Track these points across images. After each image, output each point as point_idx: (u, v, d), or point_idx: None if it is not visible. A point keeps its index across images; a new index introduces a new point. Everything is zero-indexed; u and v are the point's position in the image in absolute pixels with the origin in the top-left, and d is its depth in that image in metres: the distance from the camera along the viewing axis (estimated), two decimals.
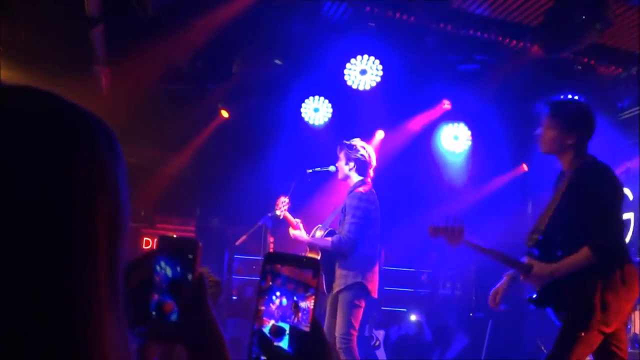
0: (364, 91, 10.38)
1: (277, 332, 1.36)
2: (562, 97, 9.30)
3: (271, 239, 8.84)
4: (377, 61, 10.22)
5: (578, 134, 5.84)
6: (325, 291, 7.83)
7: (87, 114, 1.04)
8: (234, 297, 13.95)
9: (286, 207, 8.18)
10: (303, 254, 7.81)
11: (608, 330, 5.40)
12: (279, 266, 1.40)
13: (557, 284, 5.68)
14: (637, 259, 8.66)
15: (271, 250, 8.78)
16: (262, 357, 1.36)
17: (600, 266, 5.38)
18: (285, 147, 11.87)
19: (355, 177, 7.98)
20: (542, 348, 10.15)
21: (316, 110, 11.80)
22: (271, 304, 1.38)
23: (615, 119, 11.29)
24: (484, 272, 13.83)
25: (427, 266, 14.72)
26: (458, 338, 12.74)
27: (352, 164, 7.94)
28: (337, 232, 7.95)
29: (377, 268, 7.94)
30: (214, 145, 12.70)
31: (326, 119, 11.79)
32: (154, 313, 1.42)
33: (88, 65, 10.31)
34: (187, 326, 1.42)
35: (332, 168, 8.14)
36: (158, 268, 1.47)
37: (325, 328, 7.75)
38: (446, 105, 11.77)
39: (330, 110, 11.76)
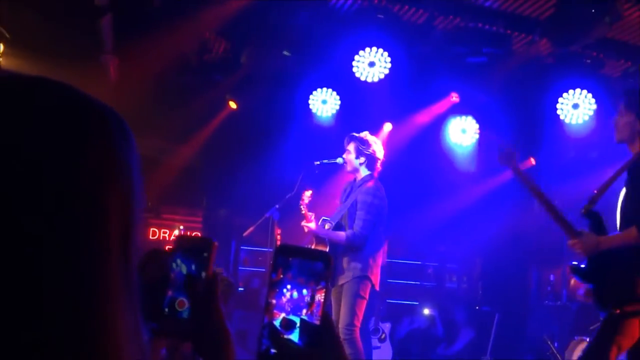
0: (372, 83, 10.37)
1: (288, 325, 1.36)
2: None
3: (278, 231, 8.84)
4: (386, 53, 10.21)
5: None
6: (331, 284, 7.84)
7: (100, 104, 1.03)
8: (241, 289, 13.96)
9: (307, 202, 8.18)
10: (310, 246, 7.83)
11: None
12: (290, 259, 1.40)
13: (610, 264, 5.67)
14: None
15: (278, 242, 8.79)
16: (272, 350, 1.36)
17: None
18: (293, 138, 11.87)
19: (364, 172, 8.00)
20: (548, 342, 10.14)
21: (324, 102, 11.79)
22: (282, 297, 1.38)
23: None
24: (490, 265, 13.85)
25: (433, 259, 14.72)
26: (464, 332, 12.74)
27: (363, 159, 7.96)
28: (342, 223, 7.98)
29: (380, 261, 7.99)
30: (221, 136, 12.70)
31: (334, 111, 11.78)
32: (166, 309, 1.43)
33: (96, 54, 10.31)
34: (195, 322, 1.43)
35: (339, 160, 8.14)
36: (174, 265, 1.47)
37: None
38: (454, 98, 11.75)
39: (338, 102, 11.75)
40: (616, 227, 5.99)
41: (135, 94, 10.25)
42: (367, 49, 10.22)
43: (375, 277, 7.85)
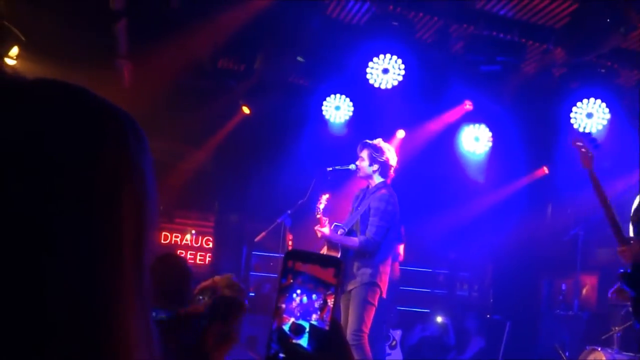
0: (385, 90, 10.36)
1: (297, 330, 1.36)
2: None
3: (290, 237, 8.84)
4: (400, 60, 10.20)
5: None
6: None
7: (115, 108, 1.04)
8: (252, 294, 13.97)
9: (323, 206, 8.18)
10: (321, 252, 7.84)
11: None
12: (300, 264, 1.40)
13: None
14: None
15: (290, 248, 8.78)
16: (281, 355, 1.36)
17: None
18: (306, 144, 11.88)
19: (377, 179, 7.99)
20: (559, 351, 10.11)
21: (337, 109, 11.80)
22: (292, 302, 1.38)
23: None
24: (502, 274, 13.83)
25: (444, 267, 14.71)
26: (475, 340, 12.72)
27: (376, 167, 7.95)
28: (354, 230, 7.96)
29: (389, 269, 7.98)
30: (234, 141, 12.73)
31: (347, 117, 11.79)
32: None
33: (111, 58, 10.35)
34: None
35: (352, 166, 8.13)
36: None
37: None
38: (468, 106, 11.74)
39: (352, 108, 11.76)
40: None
41: (149, 98, 10.29)
42: (381, 56, 10.20)
43: (384, 285, 7.83)
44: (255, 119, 12.23)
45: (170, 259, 5.79)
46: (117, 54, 10.29)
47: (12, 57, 9.25)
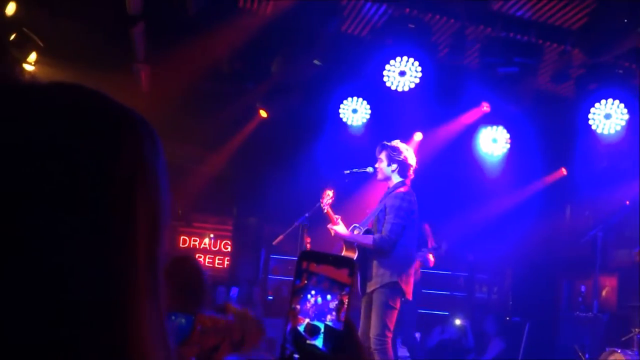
0: (403, 92, 10.34)
1: (312, 331, 1.36)
2: None
3: (308, 240, 8.83)
4: (416, 63, 10.17)
5: None
6: (360, 292, 7.82)
7: (130, 112, 1.05)
8: (270, 297, 13.99)
9: (330, 201, 8.19)
10: (341, 253, 7.83)
11: None
12: (314, 265, 1.40)
13: None
14: None
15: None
16: (296, 356, 1.36)
17: None
18: (323, 147, 11.88)
19: (396, 179, 7.96)
20: (579, 353, 10.06)
21: (355, 111, 11.80)
22: (307, 303, 1.38)
23: None
24: (521, 276, 13.79)
25: (463, 269, 14.68)
26: (494, 342, 12.68)
27: (395, 166, 7.92)
28: (372, 231, 7.94)
29: (413, 270, 7.92)
30: (252, 144, 12.74)
31: (364, 120, 11.79)
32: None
33: (128, 63, 10.38)
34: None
35: (369, 169, 8.12)
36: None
37: (360, 330, 7.75)
38: (485, 108, 11.71)
39: (369, 111, 11.75)
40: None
41: (167, 102, 10.32)
42: (398, 59, 10.19)
43: (408, 287, 7.76)
44: (272, 122, 12.24)
45: (186, 261, 5.85)
46: (134, 59, 10.33)
47: (31, 62, 9.31)
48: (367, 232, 7.97)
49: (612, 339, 9.87)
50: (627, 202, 9.51)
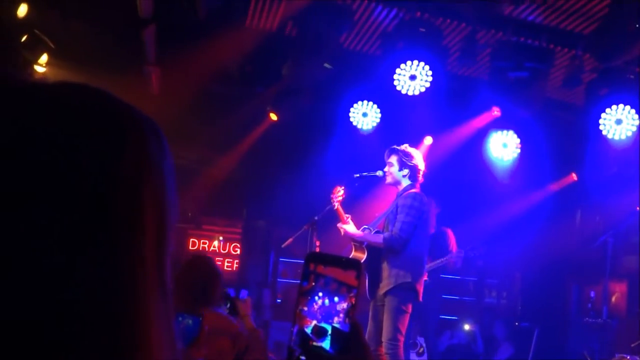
0: (413, 96, 10.32)
1: (320, 333, 1.36)
2: None
3: (317, 242, 8.84)
4: (427, 67, 10.15)
5: None
6: (368, 295, 7.81)
7: (135, 111, 1.05)
8: (278, 300, 13.99)
9: (340, 199, 8.19)
10: (350, 254, 7.84)
11: None
12: (321, 267, 1.40)
13: None
14: None
15: None
16: (303, 357, 1.36)
17: None
18: (333, 151, 11.89)
19: (405, 183, 7.98)
20: (588, 359, 10.04)
21: (365, 115, 11.79)
22: (314, 305, 1.38)
23: None
24: (530, 281, 13.77)
25: (472, 274, 14.66)
26: (503, 347, 12.66)
27: (406, 171, 7.94)
28: (381, 231, 7.95)
29: (424, 271, 7.93)
30: (262, 147, 12.75)
31: (374, 124, 11.78)
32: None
33: (139, 65, 10.40)
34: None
35: (379, 173, 8.13)
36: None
37: (367, 334, 7.76)
38: (496, 112, 11.70)
39: (379, 115, 11.74)
40: None
41: (177, 105, 10.34)
42: (408, 62, 10.17)
43: (420, 287, 7.77)
44: (282, 125, 12.24)
45: (197, 261, 5.97)
46: (145, 61, 10.34)
47: (42, 64, 9.33)
48: (378, 233, 7.98)
49: (621, 344, 9.85)
50: (638, 208, 9.47)
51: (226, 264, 14.72)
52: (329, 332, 1.35)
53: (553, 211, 12.90)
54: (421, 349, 11.48)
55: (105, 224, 0.95)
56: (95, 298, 0.93)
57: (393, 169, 7.97)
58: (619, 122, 10.45)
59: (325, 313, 1.36)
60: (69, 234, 0.92)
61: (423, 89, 10.14)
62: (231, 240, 14.82)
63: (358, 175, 8.37)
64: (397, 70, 10.17)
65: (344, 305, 1.36)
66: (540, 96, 10.61)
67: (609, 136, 10.42)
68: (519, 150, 12.03)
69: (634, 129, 10.41)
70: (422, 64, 10.09)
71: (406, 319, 7.66)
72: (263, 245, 14.20)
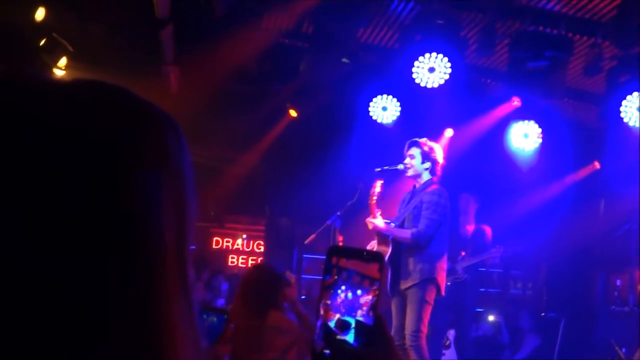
0: (432, 89, 10.30)
1: (343, 326, 1.35)
2: None
3: (340, 238, 8.82)
4: (445, 59, 10.12)
5: None
6: (389, 290, 7.81)
7: (153, 107, 1.05)
8: (303, 297, 14.00)
9: (377, 193, 8.17)
10: (373, 248, 7.83)
11: None
12: (343, 260, 1.39)
13: None
14: None
15: None
16: (327, 351, 1.35)
17: None
18: (354, 146, 11.88)
19: (426, 176, 7.97)
20: (616, 348, 9.99)
21: (384, 109, 11.78)
22: (337, 298, 1.37)
23: None
24: (556, 271, 13.71)
25: (497, 265, 14.62)
26: (529, 338, 12.61)
27: (428, 164, 7.94)
28: (404, 226, 7.95)
29: (445, 265, 7.94)
30: (282, 144, 12.76)
31: (394, 118, 11.77)
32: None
33: (157, 65, 10.42)
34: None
35: (400, 166, 8.10)
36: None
37: (393, 328, 7.77)
38: (516, 102, 11.65)
39: (399, 108, 11.73)
40: None
41: (196, 104, 10.35)
42: (427, 55, 10.14)
43: (442, 281, 7.79)
44: (302, 121, 12.25)
45: (257, 269, 6.40)
46: (163, 61, 10.37)
47: (61, 67, 9.37)
48: (400, 227, 7.98)
49: None
50: None
51: (250, 261, 14.77)
52: (353, 325, 1.35)
53: (576, 200, 12.84)
54: (447, 342, 11.47)
55: (125, 222, 0.95)
56: (117, 297, 0.93)
57: (415, 162, 7.96)
58: None
59: (349, 306, 1.36)
60: (89, 233, 0.92)
61: (442, 81, 10.12)
62: (255, 238, 14.88)
63: (379, 169, 8.34)
64: (416, 63, 10.15)
65: (367, 298, 1.35)
66: (560, 85, 10.56)
67: (631, 123, 10.36)
68: (540, 140, 11.98)
69: None
70: (440, 55, 10.07)
71: (429, 310, 7.67)
72: (286, 242, 14.22)
